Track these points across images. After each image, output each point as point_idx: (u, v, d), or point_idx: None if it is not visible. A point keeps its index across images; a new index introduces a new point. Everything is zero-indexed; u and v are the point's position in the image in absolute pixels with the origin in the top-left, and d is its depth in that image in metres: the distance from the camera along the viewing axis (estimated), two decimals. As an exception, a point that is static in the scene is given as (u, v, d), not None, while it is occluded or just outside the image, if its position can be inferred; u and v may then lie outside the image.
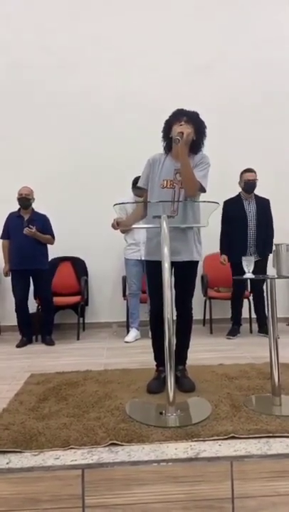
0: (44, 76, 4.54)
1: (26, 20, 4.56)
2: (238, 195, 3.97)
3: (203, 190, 2.32)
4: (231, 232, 3.90)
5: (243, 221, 3.87)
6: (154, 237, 2.33)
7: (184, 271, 2.38)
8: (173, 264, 2.28)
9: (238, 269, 3.85)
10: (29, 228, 3.70)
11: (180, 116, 2.28)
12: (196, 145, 2.32)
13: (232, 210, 3.91)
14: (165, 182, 2.32)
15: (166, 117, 2.37)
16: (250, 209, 3.91)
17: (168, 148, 2.39)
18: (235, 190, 4.00)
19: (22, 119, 4.55)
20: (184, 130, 2.20)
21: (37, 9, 4.58)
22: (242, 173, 3.92)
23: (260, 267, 3.53)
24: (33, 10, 4.58)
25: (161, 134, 2.40)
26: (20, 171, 4.28)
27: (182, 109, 2.32)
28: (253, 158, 4.12)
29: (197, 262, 2.44)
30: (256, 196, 3.97)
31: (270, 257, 3.70)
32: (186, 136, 2.20)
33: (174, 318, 2.30)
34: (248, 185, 3.87)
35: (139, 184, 2.48)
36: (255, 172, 3.87)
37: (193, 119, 2.28)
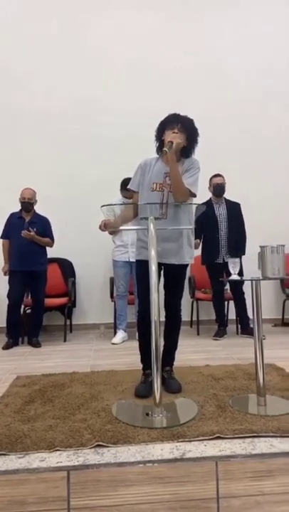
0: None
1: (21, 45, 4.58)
2: (209, 200, 4.06)
3: (194, 195, 2.34)
4: (203, 235, 3.99)
5: (214, 224, 3.98)
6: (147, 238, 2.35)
7: (174, 273, 2.40)
8: (163, 265, 2.33)
9: (212, 271, 3.96)
10: (28, 231, 3.69)
11: (174, 122, 2.27)
12: (186, 151, 2.32)
13: (203, 213, 3.95)
14: (155, 185, 2.32)
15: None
16: (221, 212, 4.02)
17: (160, 149, 2.37)
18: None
19: (19, 121, 4.54)
20: (174, 139, 2.20)
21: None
22: (211, 179, 4.03)
23: None
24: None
25: (151, 137, 2.41)
26: (12, 172, 4.26)
27: (178, 115, 2.31)
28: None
29: (187, 265, 2.45)
30: (226, 200, 4.08)
31: (249, 258, 3.77)
32: (176, 146, 2.20)
33: (162, 319, 2.31)
34: (217, 188, 4.00)
35: (130, 187, 2.47)
36: (222, 176, 4.02)
37: (187, 127, 2.28)
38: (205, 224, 3.92)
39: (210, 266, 4.00)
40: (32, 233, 3.70)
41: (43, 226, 3.88)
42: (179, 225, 2.31)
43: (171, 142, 2.18)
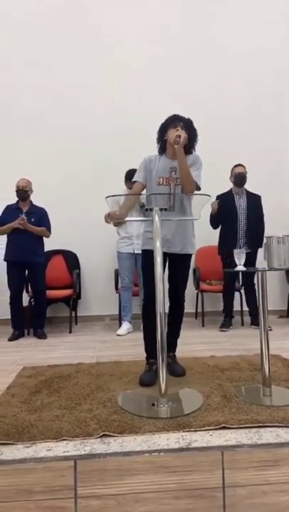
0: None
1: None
2: (230, 190, 4.03)
3: (199, 188, 2.43)
4: (222, 225, 3.98)
5: (233, 215, 3.94)
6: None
7: (179, 263, 2.48)
8: (168, 256, 2.40)
9: (227, 262, 3.92)
10: (23, 218, 3.70)
11: (176, 121, 2.38)
12: (187, 149, 2.41)
13: (223, 203, 3.94)
14: (161, 179, 2.42)
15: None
16: (241, 203, 3.97)
17: (162, 150, 2.49)
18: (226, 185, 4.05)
19: (19, 113, 4.52)
20: (181, 134, 2.31)
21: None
22: (232, 168, 4.00)
23: (249, 260, 3.57)
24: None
25: (154, 135, 2.49)
26: (16, 164, 4.25)
27: (178, 115, 2.41)
28: (245, 155, 4.17)
29: (191, 255, 2.54)
30: (247, 192, 4.03)
31: (260, 250, 3.77)
32: (183, 139, 2.31)
33: (166, 309, 2.33)
34: (238, 178, 3.95)
35: (137, 179, 2.52)
36: (244, 166, 3.97)
37: (188, 126, 2.38)
38: (224, 214, 3.91)
39: (225, 256, 3.91)
40: (24, 220, 3.70)
41: (39, 216, 3.88)
42: (185, 216, 2.43)
43: (179, 136, 2.29)
